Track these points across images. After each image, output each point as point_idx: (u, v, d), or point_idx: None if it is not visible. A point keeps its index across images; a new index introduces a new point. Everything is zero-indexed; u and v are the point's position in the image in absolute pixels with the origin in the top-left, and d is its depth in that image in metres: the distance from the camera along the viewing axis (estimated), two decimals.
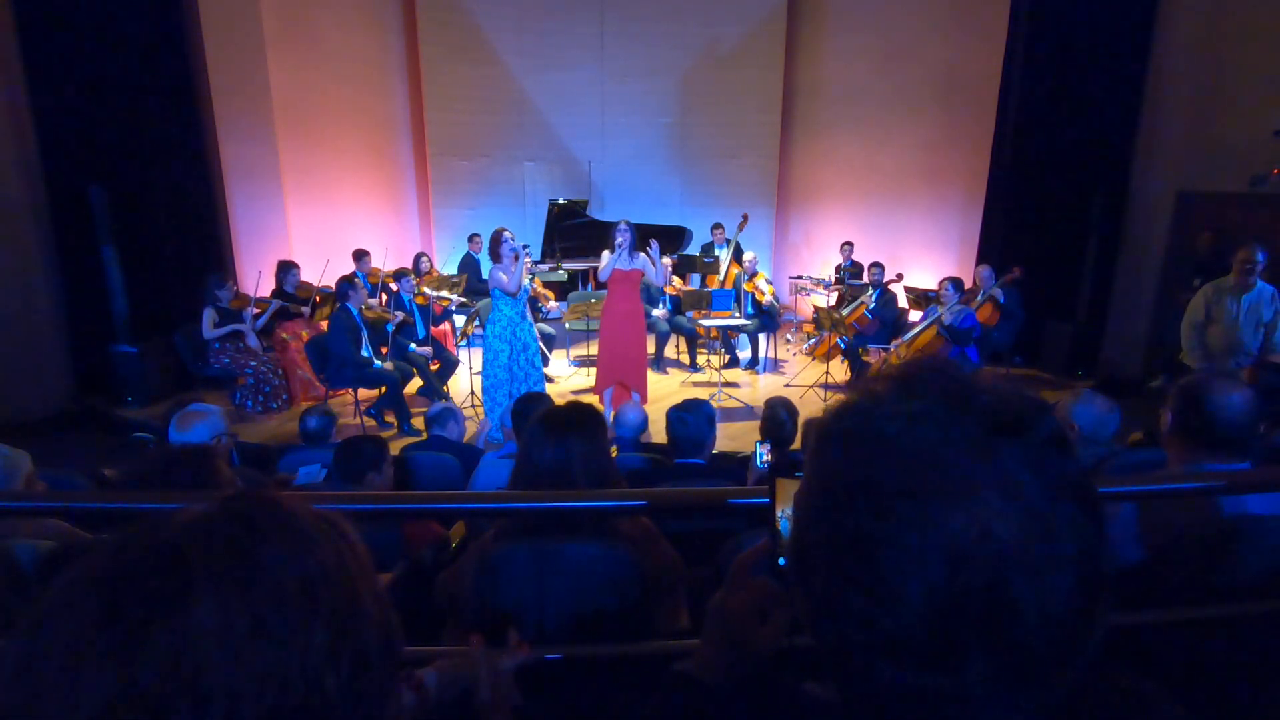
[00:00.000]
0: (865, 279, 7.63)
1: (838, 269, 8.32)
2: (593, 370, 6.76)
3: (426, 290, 6.63)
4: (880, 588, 0.46)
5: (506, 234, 4.87)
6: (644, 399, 5.39)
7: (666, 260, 7.31)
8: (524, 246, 4.91)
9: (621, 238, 5.11)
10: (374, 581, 0.56)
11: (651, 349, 7.18)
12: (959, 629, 0.44)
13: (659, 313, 7.13)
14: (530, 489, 1.74)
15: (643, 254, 5.23)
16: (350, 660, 0.50)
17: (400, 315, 6.21)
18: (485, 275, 6.24)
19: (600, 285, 7.65)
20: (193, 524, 0.51)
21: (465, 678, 1.08)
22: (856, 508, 0.47)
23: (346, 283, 5.59)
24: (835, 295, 7.90)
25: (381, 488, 2.63)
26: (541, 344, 5.76)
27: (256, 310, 5.89)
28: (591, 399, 5.63)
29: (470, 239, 8.13)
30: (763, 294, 7.12)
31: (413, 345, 6.03)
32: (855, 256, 8.38)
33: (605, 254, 5.24)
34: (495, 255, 4.89)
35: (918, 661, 0.45)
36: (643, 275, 5.30)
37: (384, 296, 6.65)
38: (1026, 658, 0.45)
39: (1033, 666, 0.45)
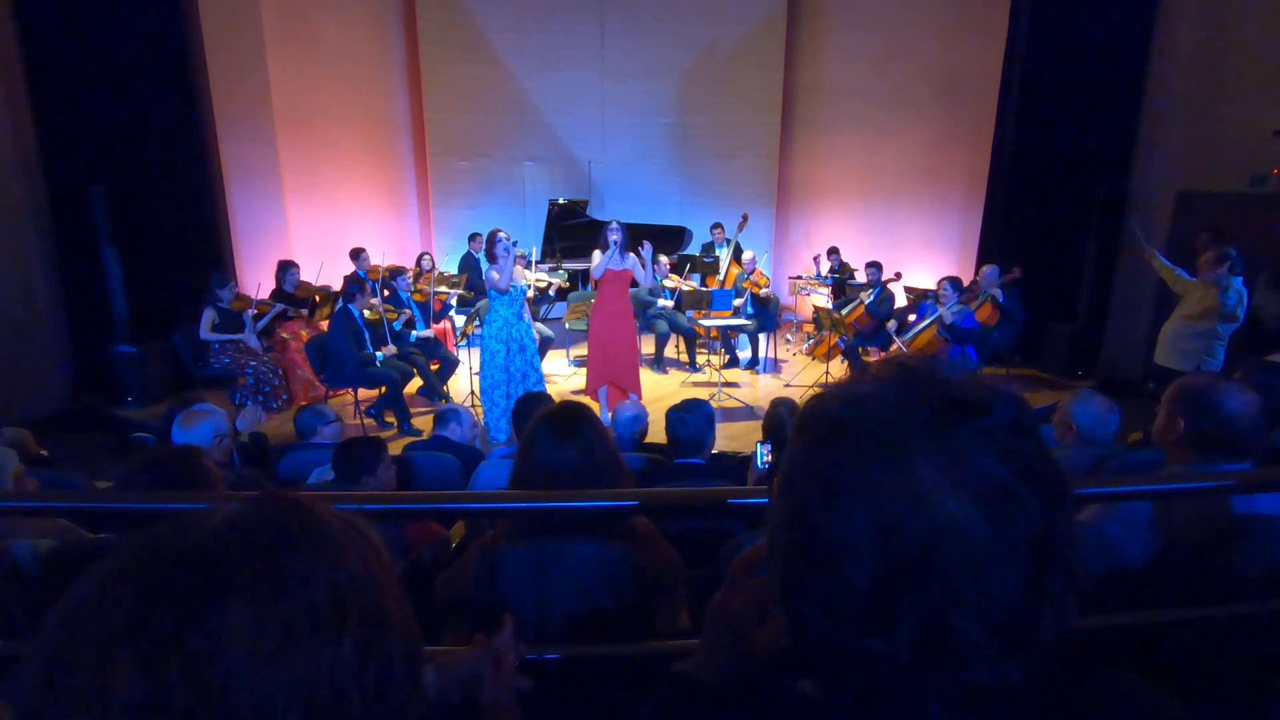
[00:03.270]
0: (858, 279, 7.65)
1: (831, 271, 8.34)
2: None
3: (424, 288, 6.65)
4: (824, 558, 0.48)
5: (501, 234, 4.87)
6: (639, 395, 5.38)
7: (664, 259, 7.31)
8: (513, 242, 4.89)
9: (614, 237, 5.11)
10: (397, 588, 0.56)
11: (652, 349, 7.18)
12: (890, 593, 0.46)
13: (664, 303, 7.11)
14: (537, 489, 1.73)
15: (633, 254, 5.23)
16: (376, 672, 0.50)
17: (406, 313, 6.24)
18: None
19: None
20: (223, 528, 0.50)
21: (467, 678, 1.08)
22: (806, 486, 0.50)
23: (354, 284, 5.60)
24: (829, 296, 7.91)
25: (380, 489, 2.63)
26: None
27: (256, 313, 5.90)
28: (584, 400, 5.63)
29: (471, 238, 8.14)
30: (758, 287, 7.12)
31: (414, 334, 6.15)
32: (853, 257, 8.38)
33: (596, 253, 5.24)
34: (491, 256, 4.89)
35: (857, 627, 0.47)
36: (632, 274, 5.29)
37: (385, 292, 6.67)
38: (959, 633, 0.45)
39: (966, 644, 0.45)
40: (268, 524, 0.51)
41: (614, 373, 5.33)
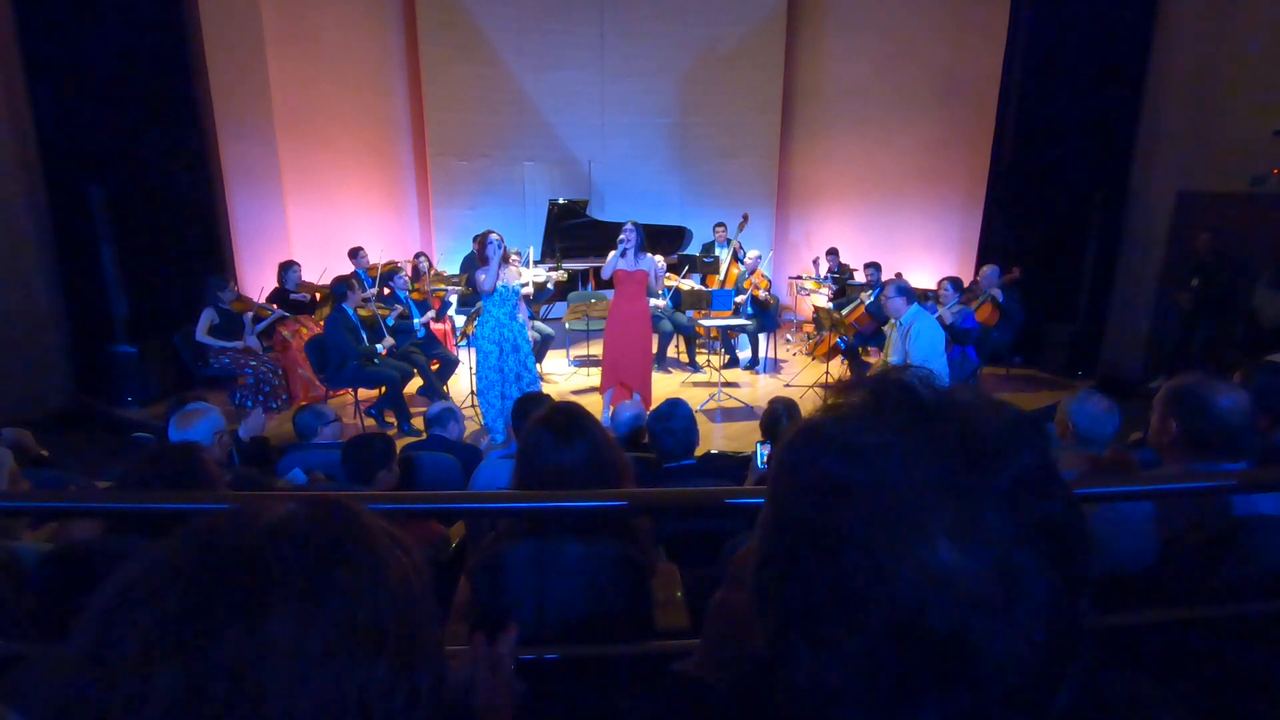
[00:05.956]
0: (857, 279, 7.65)
1: (829, 271, 8.36)
2: (593, 370, 6.77)
3: (422, 287, 6.65)
4: (828, 642, 0.43)
5: (493, 235, 4.87)
6: (647, 402, 5.31)
7: (660, 259, 7.30)
8: (499, 240, 4.85)
9: (625, 237, 5.10)
10: (431, 606, 0.56)
11: (654, 348, 7.17)
12: (909, 680, 0.41)
13: (659, 302, 7.10)
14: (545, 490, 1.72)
15: (650, 256, 5.22)
16: (405, 694, 0.50)
17: (399, 308, 6.24)
18: None
19: (601, 285, 7.66)
20: (277, 530, 0.50)
21: (466, 678, 1.08)
22: (803, 553, 0.45)
23: (343, 283, 5.59)
24: (826, 295, 7.92)
25: (390, 486, 2.64)
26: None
27: (255, 315, 5.91)
28: (594, 398, 5.63)
29: (475, 239, 8.13)
30: (759, 289, 7.12)
31: (418, 322, 6.18)
32: (853, 257, 8.40)
33: (612, 254, 5.24)
34: (482, 258, 4.89)
35: (868, 712, 0.43)
36: (648, 277, 5.28)
37: (387, 290, 6.68)
38: (984, 709, 0.41)
39: (992, 716, 0.42)
40: (320, 531, 0.51)
41: (626, 373, 5.32)
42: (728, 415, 5.83)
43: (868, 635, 0.42)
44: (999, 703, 0.41)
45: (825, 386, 6.31)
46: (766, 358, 7.37)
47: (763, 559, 0.50)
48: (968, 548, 0.41)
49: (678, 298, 7.10)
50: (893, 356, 4.50)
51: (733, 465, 3.27)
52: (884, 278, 7.09)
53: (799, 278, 8.98)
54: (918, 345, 4.29)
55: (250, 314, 5.87)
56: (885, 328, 4.71)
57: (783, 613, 0.46)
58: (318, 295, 6.57)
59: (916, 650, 0.41)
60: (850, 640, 0.42)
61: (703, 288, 7.21)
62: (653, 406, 5.27)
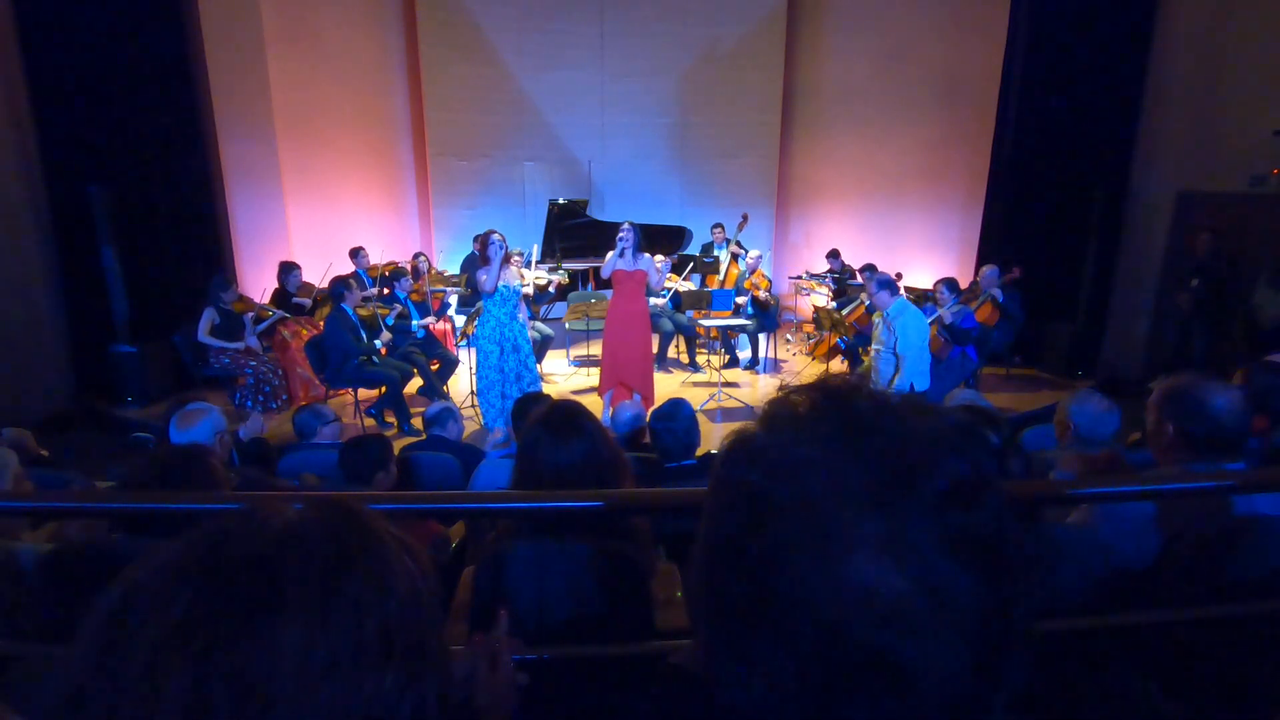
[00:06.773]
0: (859, 280, 7.65)
1: (830, 272, 8.37)
2: (593, 370, 6.77)
3: (421, 288, 6.66)
4: (753, 657, 0.43)
5: (495, 235, 4.86)
6: (649, 401, 5.30)
7: (659, 257, 7.32)
8: (501, 240, 4.84)
9: (624, 236, 5.11)
10: (437, 613, 0.55)
11: (654, 348, 7.17)
12: (836, 695, 0.42)
13: (659, 301, 7.11)
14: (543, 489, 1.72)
15: (648, 255, 5.23)
16: (411, 705, 0.50)
17: (398, 307, 6.25)
18: None
19: (601, 285, 7.67)
20: (285, 536, 0.50)
21: (463, 679, 1.08)
22: (730, 568, 0.45)
23: (341, 284, 5.59)
24: (829, 296, 7.92)
25: (388, 487, 2.63)
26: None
27: (255, 316, 5.91)
28: (594, 399, 5.63)
29: (475, 239, 8.15)
30: (759, 290, 7.12)
31: (416, 323, 6.18)
32: (853, 257, 8.40)
33: (610, 254, 5.25)
34: (483, 257, 4.89)
35: None
36: (647, 276, 5.28)
37: (386, 290, 6.68)
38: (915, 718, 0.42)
39: None
40: (329, 538, 0.51)
41: (626, 373, 5.32)
42: (728, 415, 5.84)
43: (793, 651, 0.42)
44: (927, 715, 0.41)
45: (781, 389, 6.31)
46: (766, 358, 7.37)
47: (694, 573, 0.49)
48: (891, 563, 0.41)
49: (678, 298, 7.10)
50: (875, 345, 4.73)
51: None
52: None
53: (799, 277, 8.98)
54: (906, 338, 4.48)
55: (251, 314, 5.87)
56: (874, 317, 4.84)
57: (712, 627, 0.46)
58: (318, 298, 6.57)
59: (842, 666, 0.41)
60: (776, 656, 0.42)
61: (703, 289, 7.21)
62: (655, 405, 5.29)
